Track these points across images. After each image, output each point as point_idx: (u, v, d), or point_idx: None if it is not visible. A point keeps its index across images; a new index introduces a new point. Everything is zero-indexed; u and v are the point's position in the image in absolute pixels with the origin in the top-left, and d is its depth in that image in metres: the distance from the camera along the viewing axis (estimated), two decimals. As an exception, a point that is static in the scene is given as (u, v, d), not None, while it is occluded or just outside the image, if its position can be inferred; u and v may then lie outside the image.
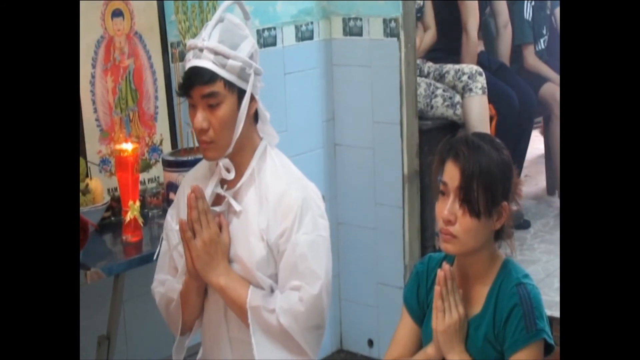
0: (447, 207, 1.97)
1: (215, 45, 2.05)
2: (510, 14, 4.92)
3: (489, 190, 1.95)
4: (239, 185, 2.16)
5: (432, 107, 3.94)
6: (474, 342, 2.01)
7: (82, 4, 2.38)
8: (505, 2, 4.75)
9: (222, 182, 2.19)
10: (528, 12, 4.83)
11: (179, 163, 2.65)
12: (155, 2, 2.84)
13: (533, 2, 4.85)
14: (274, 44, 3.35)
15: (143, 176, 2.77)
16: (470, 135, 2.04)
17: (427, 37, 4.25)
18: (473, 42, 4.32)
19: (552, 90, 4.62)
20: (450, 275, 1.99)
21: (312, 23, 3.51)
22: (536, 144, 5.26)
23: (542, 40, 4.93)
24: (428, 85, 3.97)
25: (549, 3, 5.01)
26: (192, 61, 2.07)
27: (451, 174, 1.97)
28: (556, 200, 4.87)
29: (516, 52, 4.87)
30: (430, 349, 2.05)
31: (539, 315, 1.96)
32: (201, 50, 2.06)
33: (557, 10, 4.98)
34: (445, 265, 2.01)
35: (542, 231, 4.46)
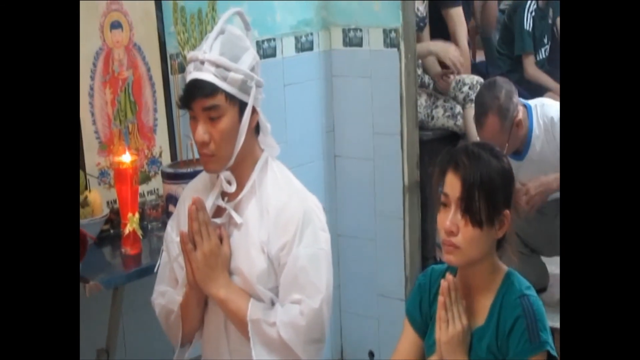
0: (448, 218, 1.96)
1: (217, 57, 2.04)
2: (510, 25, 4.93)
3: (490, 199, 1.95)
4: (239, 197, 2.15)
5: (432, 118, 3.94)
6: (477, 353, 2.01)
7: (80, 15, 2.37)
8: None
9: (223, 194, 2.18)
10: (528, 23, 4.84)
11: (179, 175, 2.64)
12: (154, 12, 2.83)
13: (533, 13, 4.85)
14: (273, 55, 3.35)
15: (142, 188, 2.76)
16: (469, 145, 2.04)
17: None
18: (464, 50, 4.31)
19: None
20: (453, 286, 1.98)
21: (311, 34, 3.51)
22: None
23: (543, 50, 4.93)
24: (429, 96, 3.96)
25: (550, 12, 5.02)
26: (193, 73, 2.06)
27: (452, 185, 1.97)
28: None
29: (516, 62, 4.86)
30: (433, 360, 2.04)
31: (542, 327, 1.96)
32: (202, 62, 2.05)
33: (559, 20, 4.99)
34: (449, 276, 2.00)
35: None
